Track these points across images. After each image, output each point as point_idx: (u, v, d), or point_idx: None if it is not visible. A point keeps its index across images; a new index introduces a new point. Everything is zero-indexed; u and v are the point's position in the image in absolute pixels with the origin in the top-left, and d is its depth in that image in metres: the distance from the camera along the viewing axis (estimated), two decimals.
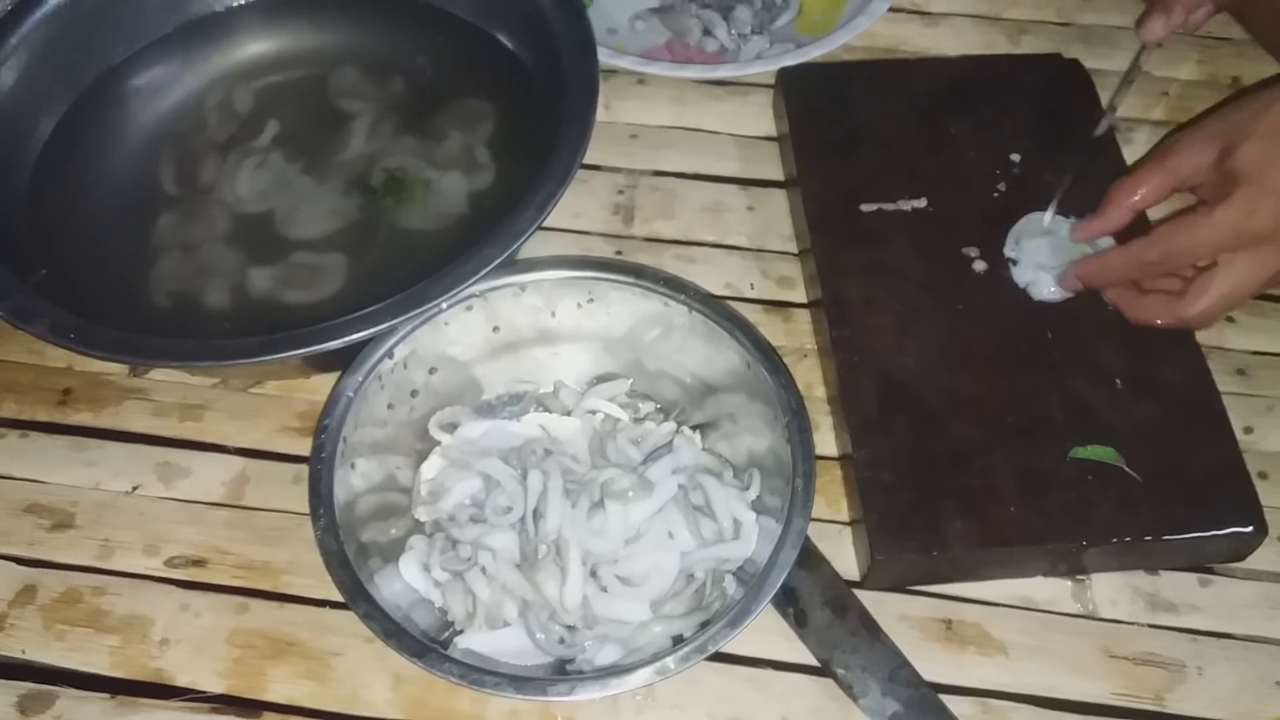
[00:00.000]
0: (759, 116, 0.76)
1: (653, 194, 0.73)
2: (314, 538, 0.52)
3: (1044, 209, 0.64)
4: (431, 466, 0.59)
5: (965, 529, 0.56)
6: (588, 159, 0.61)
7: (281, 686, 0.56)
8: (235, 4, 0.75)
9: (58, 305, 0.57)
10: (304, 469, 0.55)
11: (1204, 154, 0.57)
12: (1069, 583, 0.58)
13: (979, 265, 0.64)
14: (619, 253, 0.70)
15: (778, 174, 0.74)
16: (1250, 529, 0.56)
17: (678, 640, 0.52)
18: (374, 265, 0.65)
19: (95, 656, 0.57)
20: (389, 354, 0.57)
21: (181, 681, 0.56)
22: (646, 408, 0.62)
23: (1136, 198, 0.60)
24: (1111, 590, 0.58)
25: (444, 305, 0.57)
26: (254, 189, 0.68)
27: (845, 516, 0.60)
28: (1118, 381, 0.60)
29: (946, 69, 0.76)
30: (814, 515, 0.52)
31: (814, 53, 0.76)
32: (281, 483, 0.62)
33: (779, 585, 0.50)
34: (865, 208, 0.67)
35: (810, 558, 0.57)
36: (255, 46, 0.75)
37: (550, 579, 0.53)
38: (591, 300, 0.60)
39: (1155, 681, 0.55)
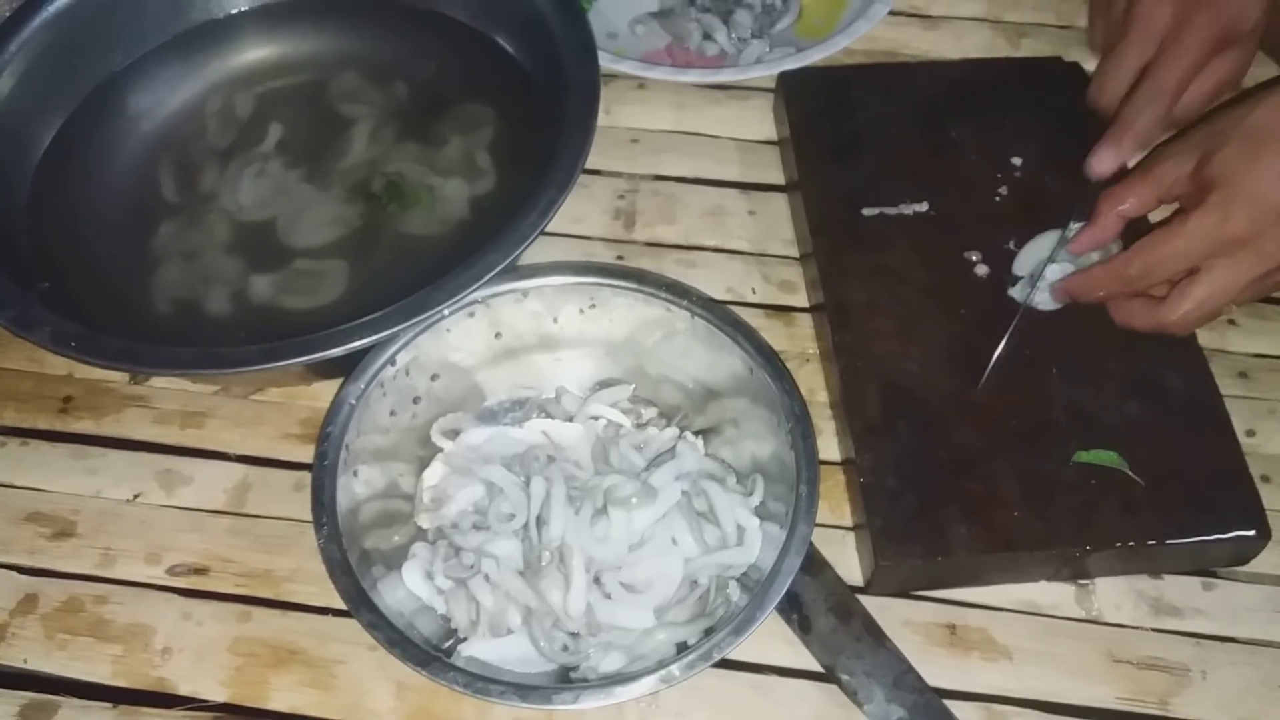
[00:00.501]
0: (759, 120, 0.76)
1: (654, 199, 0.73)
2: (316, 545, 0.52)
3: (1050, 227, 0.64)
4: (434, 473, 0.59)
5: (969, 534, 0.55)
6: (588, 164, 0.61)
7: (284, 695, 0.56)
8: (236, 10, 0.75)
9: (59, 314, 0.57)
10: (306, 476, 0.54)
11: (1185, 163, 0.57)
12: (1073, 587, 0.58)
13: (981, 269, 0.64)
14: (620, 258, 0.70)
15: (779, 178, 0.73)
16: (1253, 532, 0.56)
17: (682, 647, 0.52)
18: (376, 272, 0.65)
19: (97, 666, 0.57)
20: (391, 361, 0.57)
21: (184, 691, 0.56)
22: (649, 413, 0.62)
23: (1124, 207, 0.60)
24: (1115, 594, 0.58)
25: (446, 312, 0.57)
26: (255, 196, 0.68)
27: (848, 521, 0.60)
28: (1120, 385, 0.59)
29: (947, 72, 0.76)
30: (817, 520, 0.52)
31: (814, 56, 0.76)
32: (283, 490, 0.62)
33: (783, 592, 0.50)
34: (867, 212, 0.66)
35: (814, 563, 0.56)
36: (256, 52, 0.75)
37: (554, 586, 0.53)
38: (593, 306, 0.60)
39: (1159, 686, 0.55)
